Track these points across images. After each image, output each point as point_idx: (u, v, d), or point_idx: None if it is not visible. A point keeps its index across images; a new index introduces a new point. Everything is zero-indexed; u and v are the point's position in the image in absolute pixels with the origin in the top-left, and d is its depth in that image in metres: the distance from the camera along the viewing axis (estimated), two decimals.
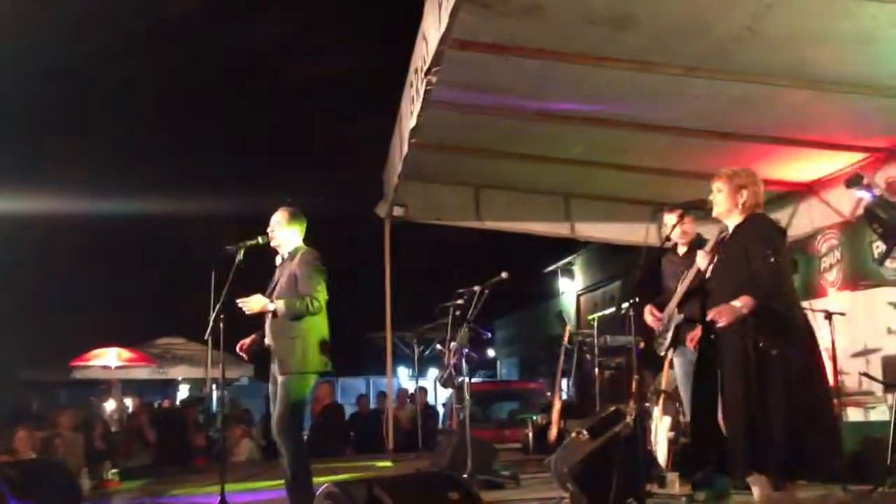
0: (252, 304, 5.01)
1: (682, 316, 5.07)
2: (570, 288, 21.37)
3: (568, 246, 18.68)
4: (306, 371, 4.96)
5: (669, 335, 5.20)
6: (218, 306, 5.17)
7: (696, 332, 4.87)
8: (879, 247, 7.12)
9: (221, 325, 5.21)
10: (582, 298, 20.84)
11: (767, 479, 3.78)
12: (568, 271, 21.38)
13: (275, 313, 4.99)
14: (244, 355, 5.29)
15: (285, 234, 5.21)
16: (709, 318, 3.98)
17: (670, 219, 5.25)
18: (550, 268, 22.35)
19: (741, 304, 3.83)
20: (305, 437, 5.15)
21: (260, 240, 5.27)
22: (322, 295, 4.99)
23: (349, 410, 13.31)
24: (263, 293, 5.15)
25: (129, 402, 14.46)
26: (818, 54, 5.89)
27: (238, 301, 5.04)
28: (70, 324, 17.37)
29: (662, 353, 5.30)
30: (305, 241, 5.30)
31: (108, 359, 13.36)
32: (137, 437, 10.89)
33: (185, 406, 13.74)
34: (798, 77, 6.27)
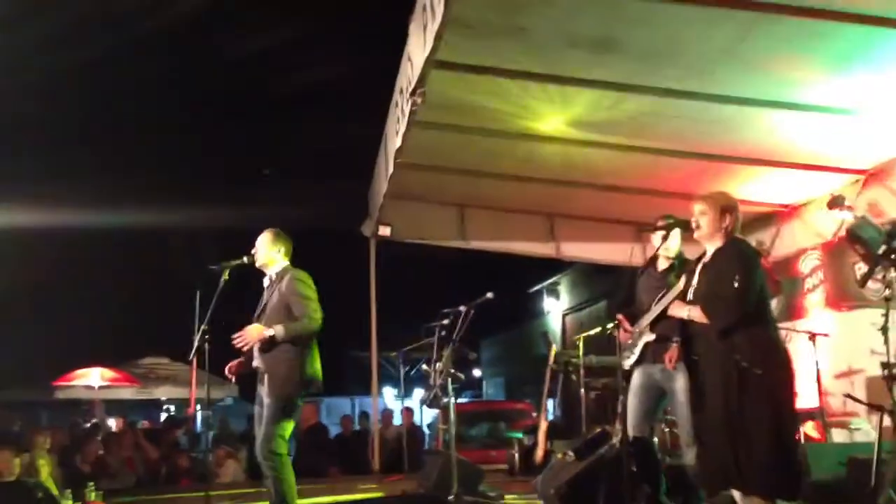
0: (249, 335, 4.94)
1: (653, 335, 5.07)
2: (556, 308, 21.38)
3: (553, 266, 18.72)
4: (294, 393, 4.93)
5: (637, 350, 5.21)
6: (202, 327, 5.14)
7: (673, 353, 4.89)
8: (861, 268, 7.15)
9: (206, 345, 5.18)
10: (567, 318, 20.86)
11: (748, 495, 3.81)
12: (553, 291, 21.40)
13: (272, 339, 4.92)
14: (231, 377, 5.25)
15: (270, 255, 5.19)
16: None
17: (657, 237, 5.28)
18: (536, 287, 22.38)
19: (685, 310, 4.08)
20: (291, 458, 5.09)
21: (245, 260, 5.25)
22: (318, 314, 4.94)
23: (334, 431, 13.23)
24: (251, 314, 5.14)
25: (112, 423, 14.33)
26: (798, 77, 5.97)
27: (234, 337, 4.97)
28: (52, 343, 17.22)
29: (627, 368, 5.32)
30: (291, 261, 5.29)
31: (92, 379, 13.26)
32: (137, 456, 10.75)
33: (167, 427, 13.62)
34: (778, 99, 6.36)
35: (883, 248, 3.07)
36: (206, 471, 8.00)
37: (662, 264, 5.35)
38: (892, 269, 3.01)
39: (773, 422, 3.76)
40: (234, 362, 5.18)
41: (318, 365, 5.05)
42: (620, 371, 5.28)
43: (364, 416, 13.29)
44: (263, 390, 4.97)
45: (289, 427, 4.95)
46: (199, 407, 13.65)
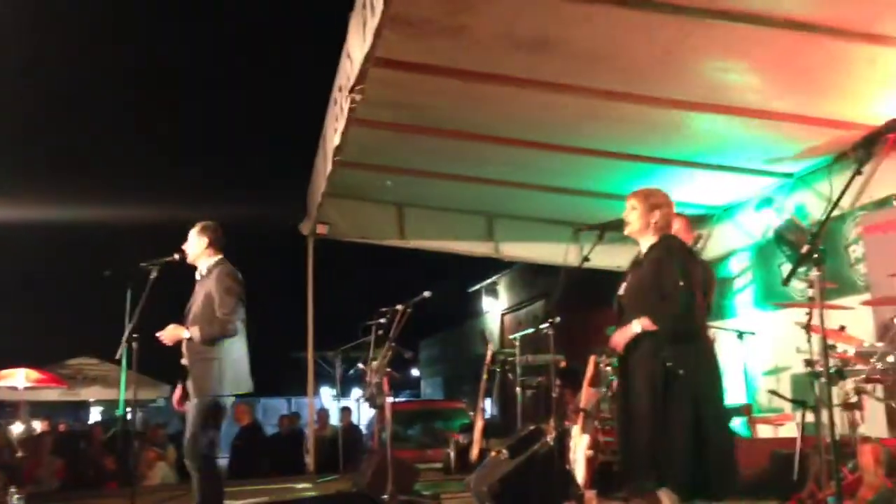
0: (167, 335, 4.94)
1: None
2: (495, 307, 21.51)
3: (492, 266, 18.83)
4: (221, 393, 4.86)
5: None
6: (130, 325, 5.03)
7: None
8: (788, 268, 7.37)
9: (135, 344, 5.07)
10: (506, 318, 21.00)
11: (669, 494, 3.85)
12: (492, 291, 21.53)
13: (191, 338, 4.90)
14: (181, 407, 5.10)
15: (197, 249, 5.11)
16: (611, 345, 4.05)
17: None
18: (475, 287, 22.48)
19: (637, 324, 3.93)
20: (220, 459, 5.01)
21: (176, 256, 5.17)
22: (238, 316, 4.88)
23: (271, 432, 13.05)
24: (183, 310, 5.06)
25: (37, 425, 13.90)
26: (731, 81, 6.11)
27: (158, 335, 4.96)
28: None
29: None
30: (227, 256, 5.20)
31: (16, 380, 12.81)
32: (50, 461, 10.42)
33: (91, 428, 13.26)
34: (712, 103, 6.49)
35: (806, 247, 3.15)
36: (132, 473, 7.78)
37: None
38: (815, 269, 3.10)
39: (694, 422, 3.79)
40: (178, 394, 5.06)
41: (246, 364, 4.98)
42: (554, 368, 5.32)
43: (323, 413, 13.07)
44: (190, 389, 4.90)
45: (216, 427, 4.87)
46: (128, 408, 13.31)
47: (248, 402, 12.34)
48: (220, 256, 5.14)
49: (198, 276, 5.15)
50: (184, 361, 4.98)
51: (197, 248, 5.12)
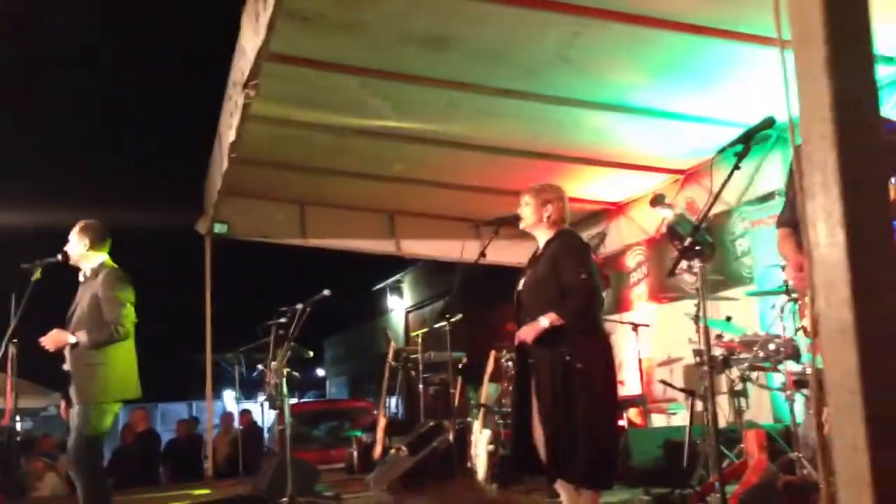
0: (49, 340, 4.69)
1: None
2: (399, 306, 21.49)
3: (397, 264, 18.78)
4: (106, 400, 4.65)
5: None
6: (10, 330, 4.78)
7: None
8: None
9: (15, 349, 4.82)
10: (411, 315, 21.00)
11: (570, 485, 3.91)
12: (397, 289, 21.49)
13: (76, 343, 4.67)
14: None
15: (80, 249, 4.86)
16: (516, 340, 4.06)
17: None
18: (379, 286, 22.40)
19: (545, 319, 3.92)
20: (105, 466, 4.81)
21: (59, 257, 4.91)
22: (128, 320, 4.69)
23: (170, 437, 12.65)
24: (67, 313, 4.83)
25: None
26: (624, 80, 6.26)
27: (40, 340, 4.70)
28: None
29: None
30: (115, 258, 4.98)
31: None
32: None
33: None
34: (604, 101, 6.65)
35: (688, 240, 3.26)
36: (20, 485, 7.42)
37: None
38: (697, 261, 3.21)
39: (592, 415, 3.85)
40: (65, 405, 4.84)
41: (134, 369, 4.79)
42: (451, 365, 5.34)
43: (228, 416, 12.68)
44: (73, 396, 4.67)
45: (100, 434, 4.67)
46: (17, 417, 12.70)
47: (145, 408, 11.97)
48: (104, 257, 4.90)
49: (81, 278, 4.91)
50: (66, 367, 4.74)
51: (79, 249, 4.86)
